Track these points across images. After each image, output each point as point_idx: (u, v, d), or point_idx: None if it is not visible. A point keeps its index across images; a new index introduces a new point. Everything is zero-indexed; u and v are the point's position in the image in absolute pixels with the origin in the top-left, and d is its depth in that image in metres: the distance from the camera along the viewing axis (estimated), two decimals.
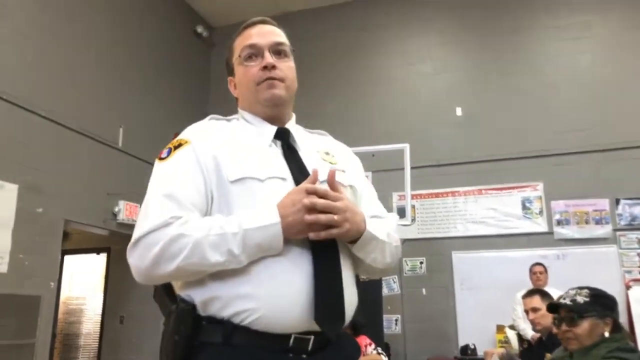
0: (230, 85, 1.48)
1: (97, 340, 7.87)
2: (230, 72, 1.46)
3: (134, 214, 5.94)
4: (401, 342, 6.18)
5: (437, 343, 6.11)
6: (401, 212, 5.93)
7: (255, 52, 1.37)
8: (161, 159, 1.29)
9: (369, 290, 5.43)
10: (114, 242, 6.74)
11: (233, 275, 1.16)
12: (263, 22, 1.43)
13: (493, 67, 6.79)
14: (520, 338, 4.98)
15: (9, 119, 4.71)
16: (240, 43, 1.41)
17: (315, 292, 1.16)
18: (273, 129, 1.37)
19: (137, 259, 1.19)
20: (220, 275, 1.16)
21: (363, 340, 3.82)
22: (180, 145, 1.28)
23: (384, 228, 1.32)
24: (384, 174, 6.03)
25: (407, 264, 6.44)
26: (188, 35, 7.71)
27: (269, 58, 1.36)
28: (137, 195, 6.05)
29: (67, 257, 7.23)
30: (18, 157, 4.69)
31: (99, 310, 8.25)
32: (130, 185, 5.99)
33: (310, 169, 1.28)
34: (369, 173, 5.71)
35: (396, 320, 6.31)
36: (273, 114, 1.39)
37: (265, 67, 1.35)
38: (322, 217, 1.16)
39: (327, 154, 1.42)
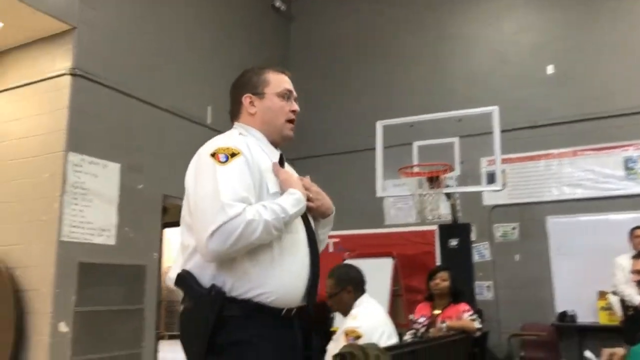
0: (245, 100, 1.82)
1: None
2: (254, 91, 1.80)
3: None
4: (494, 309, 6.07)
5: (532, 310, 5.95)
6: (490, 178, 5.76)
7: (289, 95, 1.83)
8: (221, 162, 1.60)
9: (459, 257, 5.36)
10: None
11: (258, 266, 1.55)
12: (289, 75, 1.88)
13: (585, 21, 6.33)
14: (624, 304, 4.74)
15: (110, 104, 5.04)
16: (280, 81, 1.82)
17: (311, 276, 1.66)
18: (277, 153, 1.81)
19: (220, 243, 1.48)
20: (247, 265, 1.55)
21: (462, 307, 3.81)
22: (234, 154, 1.61)
23: None
24: (471, 139, 5.88)
25: (498, 230, 6.27)
26: (267, 10, 7.78)
27: (297, 107, 1.85)
28: None
29: (166, 230, 7.68)
30: (120, 138, 5.02)
31: None
32: None
33: None
34: (455, 139, 5.57)
35: (488, 286, 6.20)
36: (279, 143, 1.85)
37: (294, 112, 1.83)
38: (316, 197, 1.77)
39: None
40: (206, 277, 1.56)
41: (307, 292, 1.64)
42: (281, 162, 1.80)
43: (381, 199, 6.53)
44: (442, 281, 3.91)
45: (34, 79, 4.97)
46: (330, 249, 7.14)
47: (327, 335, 6.15)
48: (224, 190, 1.52)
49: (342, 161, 7.29)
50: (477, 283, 5.79)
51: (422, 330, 3.82)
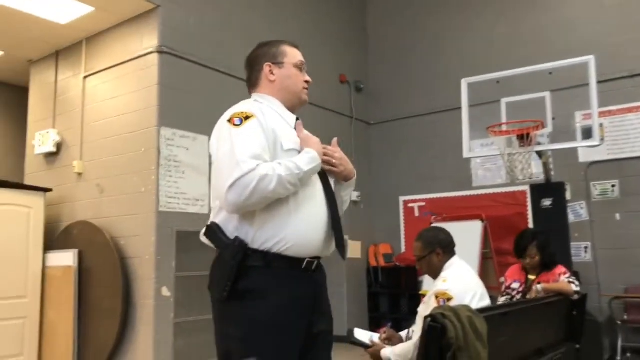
0: (266, 68, 1.99)
1: None
2: (274, 61, 1.99)
3: None
4: (593, 271, 5.78)
5: (635, 271, 5.60)
6: (587, 133, 5.41)
7: (302, 67, 2.03)
8: (236, 125, 1.77)
9: (553, 218, 5.13)
10: None
11: (277, 218, 1.72)
12: (300, 49, 2.07)
13: None
14: None
15: (197, 79, 5.22)
16: (295, 54, 2.03)
17: (333, 227, 1.82)
18: (293, 117, 1.98)
19: (236, 195, 1.66)
20: (267, 217, 1.71)
21: (559, 269, 3.65)
22: (248, 117, 1.79)
23: None
24: (564, 92, 5.52)
25: (596, 188, 5.91)
26: None
27: (309, 78, 2.04)
28: None
29: None
30: (207, 112, 5.18)
31: None
32: None
33: None
34: (547, 93, 5.26)
35: (585, 247, 5.89)
36: (295, 108, 2.02)
37: (307, 82, 2.03)
38: (326, 159, 1.88)
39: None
40: (230, 229, 1.75)
41: (326, 243, 1.79)
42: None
43: (468, 160, 6.34)
44: (531, 259, 3.73)
45: (125, 59, 5.23)
46: (417, 213, 7.08)
47: (416, 298, 6.17)
48: (238, 149, 1.70)
49: (427, 123, 7.13)
50: (573, 244, 5.51)
51: (518, 297, 3.71)
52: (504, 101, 5.51)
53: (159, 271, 4.69)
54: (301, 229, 1.74)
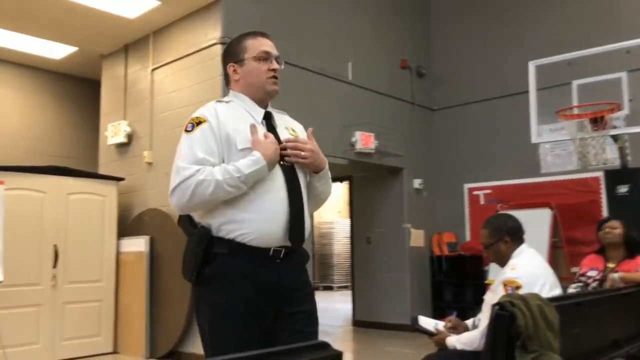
0: (229, 69, 2.01)
1: (349, 259, 8.66)
2: (235, 59, 1.99)
3: (369, 142, 6.22)
4: None
5: None
6: None
7: (267, 56, 1.97)
8: (187, 131, 1.88)
9: (630, 205, 4.88)
10: (354, 171, 7.21)
11: (236, 208, 1.79)
12: (268, 36, 2.03)
13: None
14: None
15: None
16: (256, 46, 1.98)
17: (290, 220, 1.82)
18: (262, 111, 1.97)
19: (177, 199, 1.80)
20: (227, 210, 1.79)
21: None
22: (200, 122, 1.87)
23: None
24: None
25: None
26: None
27: (276, 64, 1.98)
28: (370, 125, 6.31)
29: None
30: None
31: (347, 233, 9.01)
32: (362, 116, 6.27)
33: (282, 139, 1.92)
34: (623, 73, 4.97)
35: None
36: (265, 100, 1.99)
37: (274, 70, 1.96)
38: (292, 152, 1.88)
39: (292, 129, 2.06)
40: (197, 219, 1.88)
41: (287, 234, 1.81)
42: (268, 117, 1.98)
43: (536, 145, 6.10)
44: (611, 229, 3.57)
45: (190, 51, 5.38)
46: (482, 201, 6.91)
47: (480, 288, 6.03)
48: (182, 155, 1.83)
49: (492, 107, 6.92)
50: None
51: (594, 285, 3.55)
52: (576, 83, 5.25)
53: None
54: (259, 221, 1.78)
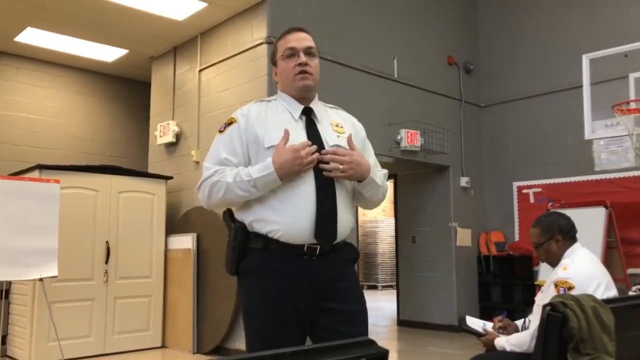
0: (273, 73, 2.07)
1: (394, 258, 8.58)
2: (273, 63, 2.04)
3: (415, 140, 6.14)
4: None
5: None
6: None
7: (293, 52, 1.95)
8: (220, 131, 1.97)
9: None
10: (399, 169, 7.14)
11: (266, 206, 1.83)
12: (299, 30, 2.01)
13: None
14: None
15: None
16: (283, 44, 1.99)
17: (316, 219, 1.80)
18: (300, 107, 1.97)
19: (200, 196, 1.92)
20: (256, 208, 1.85)
21: None
22: (231, 123, 1.95)
23: (379, 177, 1.99)
24: None
25: None
26: None
27: (303, 58, 1.94)
28: (415, 122, 6.23)
29: None
30: None
31: (392, 232, 8.93)
32: (407, 113, 6.19)
33: (324, 136, 1.93)
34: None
35: None
36: (303, 96, 1.98)
37: (299, 64, 1.94)
38: (331, 166, 1.83)
39: (337, 125, 2.02)
40: (236, 215, 1.94)
41: (315, 233, 1.80)
42: (307, 113, 1.98)
43: (590, 142, 5.88)
44: None
45: (236, 51, 5.45)
46: (532, 200, 6.73)
47: (530, 288, 5.87)
48: (209, 155, 1.93)
49: (542, 103, 6.71)
50: None
51: None
52: (633, 76, 5.02)
53: None
54: (285, 219, 1.81)
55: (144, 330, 5.50)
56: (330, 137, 1.95)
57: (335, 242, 1.86)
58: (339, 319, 1.83)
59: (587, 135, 5.02)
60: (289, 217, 1.81)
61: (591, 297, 2.08)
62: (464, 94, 7.10)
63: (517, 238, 6.78)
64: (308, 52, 1.97)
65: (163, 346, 5.58)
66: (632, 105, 4.87)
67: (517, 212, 6.87)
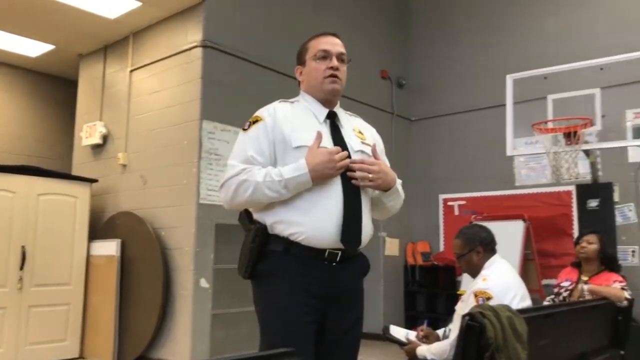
0: (297, 72, 2.05)
1: None
2: (299, 62, 2.03)
3: None
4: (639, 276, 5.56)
5: None
6: (637, 132, 5.23)
7: (326, 55, 1.96)
8: (244, 129, 1.91)
9: (600, 220, 4.97)
10: None
11: (291, 208, 1.79)
12: (333, 34, 2.02)
13: None
14: None
15: (240, 73, 5.27)
16: (315, 45, 1.98)
17: (343, 223, 1.79)
18: (325, 111, 1.96)
19: (223, 195, 1.87)
20: (280, 210, 1.80)
21: (615, 276, 3.50)
22: (256, 121, 1.90)
23: (399, 186, 2.02)
24: (614, 89, 5.33)
25: None
26: None
27: (335, 62, 1.95)
28: None
29: None
30: (249, 106, 5.19)
31: None
32: None
33: (348, 142, 1.92)
34: (596, 90, 5.08)
35: (633, 251, 5.67)
36: (328, 100, 1.97)
37: (331, 68, 1.94)
38: (360, 175, 1.83)
39: (360, 132, 2.04)
40: (256, 216, 1.89)
41: (340, 236, 1.80)
42: (331, 117, 1.97)
43: (511, 158, 6.20)
44: (588, 244, 3.62)
45: (170, 53, 5.34)
46: (457, 212, 6.97)
47: (453, 298, 6.07)
48: (234, 153, 1.88)
49: (469, 120, 6.99)
50: (620, 247, 5.31)
51: (565, 294, 3.60)
52: (551, 98, 5.35)
53: (197, 263, 4.77)
54: (310, 222, 1.78)
55: (60, 341, 5.23)
56: (354, 143, 1.96)
57: (360, 248, 1.88)
58: (352, 325, 1.91)
59: (509, 151, 5.28)
60: (315, 220, 1.78)
61: (507, 308, 2.18)
62: (396, 107, 7.29)
63: (442, 248, 7.00)
64: (340, 57, 1.99)
65: (81, 357, 5.33)
66: (550, 125, 5.17)
67: (443, 223, 7.10)
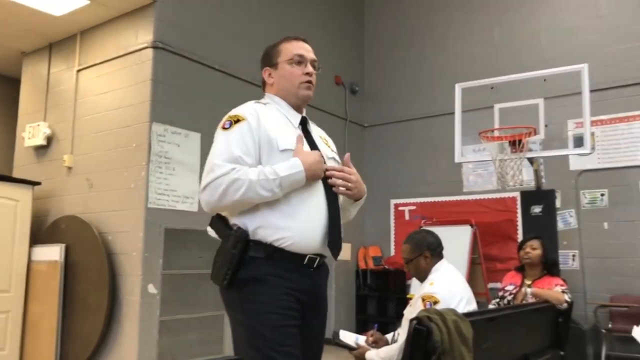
0: (264, 73, 2.02)
1: None
2: (269, 64, 2.00)
3: None
4: (580, 279, 5.80)
5: (621, 280, 5.63)
6: (578, 141, 5.44)
7: (300, 60, 1.95)
8: (225, 128, 1.83)
9: (543, 225, 5.15)
10: None
11: (276, 212, 1.76)
12: (304, 40, 2.01)
13: None
14: None
15: (191, 75, 5.19)
16: (290, 49, 1.96)
17: (328, 228, 1.82)
18: (299, 116, 1.97)
19: (208, 196, 1.76)
20: (267, 214, 1.76)
21: (556, 280, 3.65)
22: (238, 120, 1.83)
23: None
24: (557, 100, 5.57)
25: (586, 197, 5.94)
26: None
27: (311, 68, 1.95)
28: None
29: None
30: (200, 108, 5.16)
31: None
32: None
33: (320, 149, 1.93)
34: (540, 100, 5.29)
35: (573, 255, 5.92)
36: (300, 106, 1.99)
37: (308, 74, 1.94)
38: (341, 182, 1.86)
39: (324, 139, 2.08)
40: (233, 220, 1.82)
41: (325, 241, 1.81)
42: (304, 123, 1.98)
43: (459, 165, 6.36)
44: (531, 250, 3.76)
45: (119, 54, 5.20)
46: (407, 217, 7.09)
47: (403, 302, 6.15)
48: (218, 152, 1.79)
49: (420, 126, 7.13)
50: (561, 252, 5.53)
51: (510, 298, 3.72)
52: (497, 107, 5.53)
53: (145, 268, 4.66)
54: (299, 227, 1.77)
55: None
56: (326, 150, 1.99)
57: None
58: (320, 325, 1.93)
59: (457, 158, 5.42)
60: (302, 224, 1.78)
61: (453, 311, 2.23)
62: (349, 113, 7.35)
63: (393, 253, 7.10)
64: (313, 65, 1.98)
65: None
66: (496, 133, 5.34)
67: (394, 228, 7.21)
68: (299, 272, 1.80)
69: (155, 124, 4.85)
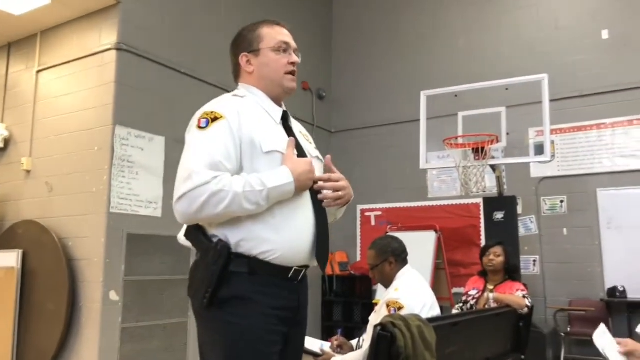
0: (242, 60, 1.79)
1: None
2: (249, 49, 1.78)
3: None
4: (540, 284, 5.94)
5: (580, 285, 5.80)
6: (539, 149, 5.59)
7: (285, 47, 1.78)
8: (201, 127, 1.62)
9: (505, 231, 5.26)
10: None
11: (260, 223, 1.59)
12: (285, 26, 1.85)
13: None
14: None
15: (155, 78, 5.11)
16: (274, 35, 1.78)
17: (317, 239, 1.68)
18: (280, 111, 1.78)
19: (185, 207, 1.55)
20: (252, 225, 1.59)
21: (518, 285, 3.72)
22: (216, 118, 1.61)
23: None
24: (519, 108, 5.71)
25: (546, 203, 6.09)
26: None
27: (296, 57, 1.80)
28: None
29: None
30: (165, 112, 5.09)
31: None
32: None
33: (304, 147, 1.78)
34: (502, 108, 5.41)
35: (534, 261, 6.06)
36: (281, 98, 1.80)
37: (293, 64, 1.78)
38: (332, 194, 1.70)
39: (305, 135, 1.91)
40: (213, 231, 1.63)
41: (312, 252, 1.68)
42: (285, 118, 1.80)
43: (424, 171, 6.44)
44: (495, 257, 3.83)
45: (81, 55, 5.08)
46: (373, 223, 7.13)
47: (369, 307, 6.18)
48: (195, 156, 1.57)
49: (386, 133, 7.20)
50: (522, 257, 5.66)
51: (473, 302, 3.77)
52: (461, 115, 5.63)
53: (107, 274, 4.55)
54: (287, 237, 1.62)
55: None
56: (309, 148, 1.82)
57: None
58: (301, 338, 1.82)
59: (422, 165, 5.49)
60: (289, 236, 1.62)
61: (417, 317, 2.25)
62: (317, 119, 7.37)
63: (359, 258, 7.13)
64: (296, 53, 1.83)
65: None
66: (460, 141, 5.43)
67: (360, 233, 7.24)
68: (284, 287, 1.65)
69: (118, 127, 4.75)
